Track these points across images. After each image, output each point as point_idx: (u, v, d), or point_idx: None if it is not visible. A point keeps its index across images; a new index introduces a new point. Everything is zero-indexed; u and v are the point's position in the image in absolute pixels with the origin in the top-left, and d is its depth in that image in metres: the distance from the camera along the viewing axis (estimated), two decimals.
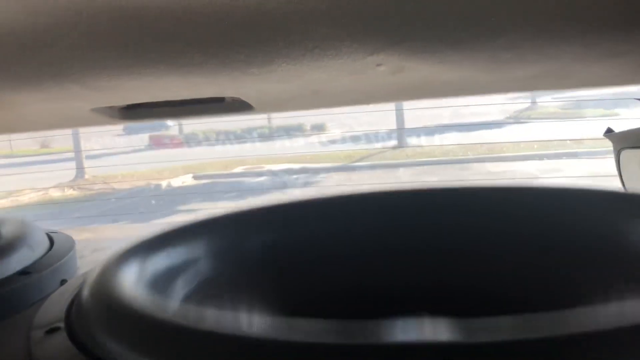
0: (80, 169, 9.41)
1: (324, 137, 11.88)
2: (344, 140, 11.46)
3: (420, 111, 9.19)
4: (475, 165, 9.04)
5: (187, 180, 10.05)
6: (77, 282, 0.62)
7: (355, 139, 10.96)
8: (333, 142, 11.33)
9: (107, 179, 9.23)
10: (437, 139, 10.52)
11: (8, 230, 0.78)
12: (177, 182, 9.80)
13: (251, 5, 0.62)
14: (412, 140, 10.54)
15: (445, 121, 10.13)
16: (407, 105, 8.33)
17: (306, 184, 9.12)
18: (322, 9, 0.64)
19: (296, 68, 0.77)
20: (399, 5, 0.63)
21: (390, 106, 7.94)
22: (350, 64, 0.77)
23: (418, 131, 10.93)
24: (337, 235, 0.74)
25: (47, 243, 0.78)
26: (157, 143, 9.84)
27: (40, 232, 0.80)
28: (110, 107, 0.93)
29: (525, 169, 8.49)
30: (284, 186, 9.15)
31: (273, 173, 9.97)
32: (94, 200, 8.33)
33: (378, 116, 9.99)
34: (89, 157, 9.34)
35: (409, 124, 10.14)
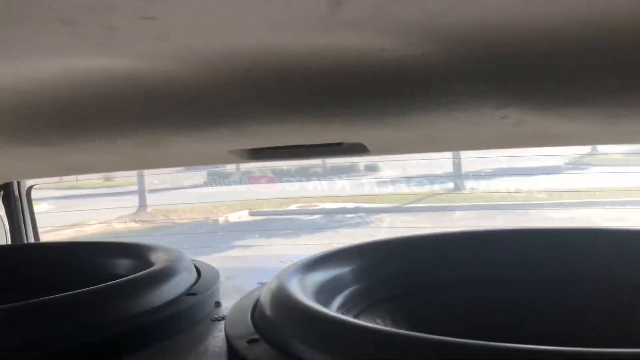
0: (142, 203, 9.73)
1: (378, 178, 11.88)
2: (398, 181, 11.43)
3: (478, 154, 9.12)
4: (534, 211, 8.83)
5: (243, 216, 10.22)
6: (247, 302, 0.70)
7: (409, 181, 10.93)
8: (387, 183, 11.33)
9: (168, 213, 9.50)
10: (494, 184, 10.35)
11: (161, 257, 0.88)
12: (234, 217, 9.98)
13: (402, 64, 0.70)
14: (469, 184, 10.41)
15: (503, 165, 9.99)
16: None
17: (360, 224, 9.13)
18: (463, 70, 0.71)
19: (426, 119, 0.84)
20: (531, 66, 0.70)
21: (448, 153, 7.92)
22: (477, 116, 0.83)
23: (475, 175, 10.79)
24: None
25: (194, 269, 0.87)
26: (252, 181, 10.25)
27: (188, 258, 0.89)
28: (243, 150, 1.03)
29: (587, 217, 8.23)
30: (337, 225, 9.18)
31: (327, 212, 10.03)
32: (155, 234, 8.59)
33: (433, 157, 9.97)
34: (151, 192, 9.69)
35: (465, 167, 10.05)
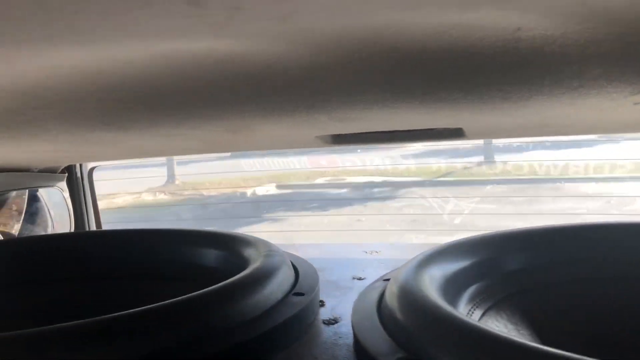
0: (171, 175, 9.79)
1: (404, 151, 11.77)
2: (425, 154, 11.30)
3: None
4: (567, 185, 8.66)
5: (270, 189, 10.24)
6: (367, 305, 0.64)
7: (438, 153, 10.79)
8: (416, 156, 11.21)
9: (196, 186, 9.55)
10: (526, 157, 10.16)
11: (251, 247, 0.83)
12: (261, 190, 10.01)
13: (535, 46, 0.63)
14: (500, 157, 10.24)
15: (534, 138, 9.76)
16: None
17: (388, 198, 9.06)
18: (603, 52, 0.64)
19: (549, 104, 0.77)
20: None
21: None
22: (607, 101, 0.75)
23: (506, 147, 10.60)
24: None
25: (290, 262, 0.82)
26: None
27: (279, 249, 0.83)
28: (334, 135, 0.97)
29: (623, 191, 8.05)
30: (365, 199, 9.14)
31: (354, 186, 9.97)
32: (184, 205, 8.65)
33: None
34: (179, 164, 9.72)
35: (496, 140, 9.86)
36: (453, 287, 0.68)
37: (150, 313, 0.58)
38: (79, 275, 0.96)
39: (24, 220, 1.34)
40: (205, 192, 9.44)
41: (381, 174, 9.68)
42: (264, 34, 0.64)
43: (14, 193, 1.32)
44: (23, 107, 0.87)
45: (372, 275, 0.89)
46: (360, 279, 0.89)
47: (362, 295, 0.71)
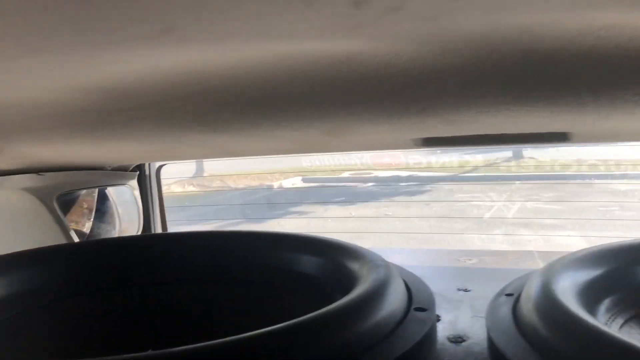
0: (199, 167, 9.85)
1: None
2: (451, 149, 11.15)
3: None
4: (598, 182, 8.50)
5: (296, 182, 10.23)
6: (501, 323, 0.61)
7: (462, 148, 10.66)
8: (443, 151, 11.09)
9: (224, 178, 9.59)
10: (555, 152, 10.00)
11: (352, 255, 0.79)
12: (287, 183, 10.02)
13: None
14: (528, 153, 10.10)
15: None
16: None
17: (415, 193, 9.00)
18: None
19: None
20: None
21: None
22: None
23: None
24: None
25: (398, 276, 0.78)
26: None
27: (382, 257, 0.80)
28: (427, 137, 0.94)
29: None
30: (392, 194, 9.08)
31: (380, 180, 9.92)
32: (213, 197, 8.69)
33: None
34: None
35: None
36: (588, 300, 0.64)
37: (283, 332, 0.55)
38: (167, 278, 0.94)
39: (94, 218, 1.33)
40: (232, 185, 9.47)
41: (408, 168, 9.62)
42: (401, 34, 0.62)
43: (84, 191, 1.31)
44: (120, 107, 0.85)
45: (476, 286, 0.86)
46: (465, 290, 0.85)
47: (492, 313, 0.67)
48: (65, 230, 1.24)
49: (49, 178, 1.14)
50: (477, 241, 6.27)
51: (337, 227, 7.15)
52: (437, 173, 9.63)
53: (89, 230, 1.33)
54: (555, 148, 9.84)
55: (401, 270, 0.82)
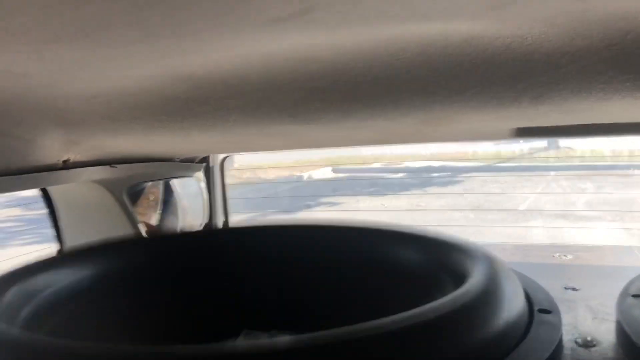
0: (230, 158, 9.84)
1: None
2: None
3: None
4: (638, 172, 8.27)
5: (326, 173, 10.20)
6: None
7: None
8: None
9: (254, 170, 9.61)
10: (592, 142, 9.75)
11: (459, 251, 0.75)
12: (317, 174, 9.99)
13: None
14: (564, 142, 9.86)
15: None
16: None
17: (448, 183, 8.87)
18: None
19: None
20: None
21: None
22: None
23: None
24: None
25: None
26: None
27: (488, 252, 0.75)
28: (522, 127, 0.89)
29: None
30: (423, 185, 8.97)
31: (411, 170, 9.82)
32: (243, 188, 8.72)
33: None
34: None
35: None
36: None
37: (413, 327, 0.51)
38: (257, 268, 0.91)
39: (160, 210, 1.31)
40: (262, 176, 9.48)
41: (439, 158, 9.49)
42: (532, 14, 0.58)
43: (150, 183, 1.29)
44: (209, 96, 0.82)
45: (584, 285, 0.81)
46: (574, 289, 0.80)
47: (626, 316, 0.62)
48: (133, 222, 1.22)
49: (120, 170, 1.11)
50: (514, 233, 6.15)
51: (369, 220, 7.09)
52: (470, 163, 9.48)
53: (156, 222, 1.31)
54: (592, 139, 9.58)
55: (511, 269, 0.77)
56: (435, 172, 9.79)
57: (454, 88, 0.75)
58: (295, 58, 0.71)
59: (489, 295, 0.60)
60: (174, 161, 1.25)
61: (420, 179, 9.56)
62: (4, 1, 0.43)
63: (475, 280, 0.63)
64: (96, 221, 1.22)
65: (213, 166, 1.36)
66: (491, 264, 0.68)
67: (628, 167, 8.51)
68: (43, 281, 0.82)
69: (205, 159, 1.34)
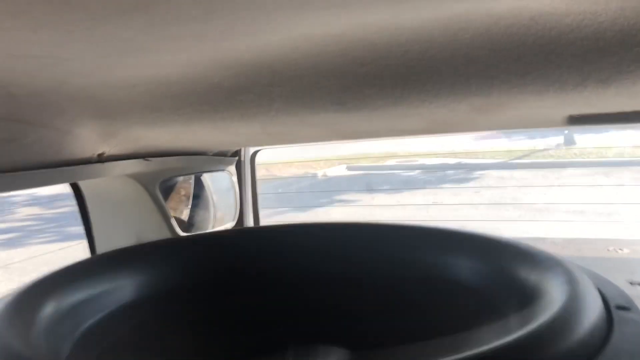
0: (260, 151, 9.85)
1: (478, 133, 11.37)
2: (498, 135, 10.92)
3: None
4: None
5: (341, 170, 10.17)
6: None
7: (510, 134, 10.39)
8: (486, 137, 10.84)
9: (269, 167, 9.59)
10: (608, 138, 9.62)
11: (517, 257, 0.71)
12: (332, 172, 9.96)
13: None
14: (580, 139, 9.74)
15: None
16: None
17: (463, 181, 8.79)
18: None
19: None
20: None
21: None
22: None
23: (586, 129, 10.07)
24: None
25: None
26: None
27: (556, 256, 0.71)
28: (577, 115, 0.85)
29: None
30: (439, 182, 8.90)
31: (426, 168, 9.74)
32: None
33: None
34: None
35: None
36: None
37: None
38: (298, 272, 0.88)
39: (192, 205, 1.28)
40: (277, 174, 9.47)
41: (454, 155, 9.41)
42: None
43: (181, 177, 1.26)
44: (253, 83, 0.79)
45: None
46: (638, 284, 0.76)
47: None
48: (166, 217, 1.20)
49: (154, 164, 1.09)
50: (532, 229, 6.07)
51: (385, 216, 7.05)
52: (486, 160, 9.40)
53: (187, 217, 1.28)
54: (610, 133, 9.46)
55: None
56: (451, 169, 9.71)
57: (515, 71, 0.72)
58: (346, 41, 0.68)
59: (572, 302, 0.56)
60: (208, 155, 1.22)
61: (436, 175, 9.49)
62: None
63: (555, 289, 0.60)
64: (128, 216, 1.20)
65: (244, 160, 1.33)
66: (564, 268, 0.65)
67: None
68: (86, 293, 0.76)
69: (237, 153, 1.32)
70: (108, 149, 0.99)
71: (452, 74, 0.74)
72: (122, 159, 1.04)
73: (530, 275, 0.67)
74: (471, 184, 8.59)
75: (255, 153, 1.37)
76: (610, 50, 0.66)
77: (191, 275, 0.83)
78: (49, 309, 0.64)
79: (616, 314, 0.59)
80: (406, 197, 8.22)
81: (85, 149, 0.96)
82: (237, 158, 1.31)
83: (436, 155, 9.90)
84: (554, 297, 0.58)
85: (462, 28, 0.64)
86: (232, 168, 1.31)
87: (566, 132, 9.37)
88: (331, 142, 1.58)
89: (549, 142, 9.88)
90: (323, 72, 0.76)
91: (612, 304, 0.61)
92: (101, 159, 0.99)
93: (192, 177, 1.28)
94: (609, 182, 7.65)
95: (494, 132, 10.61)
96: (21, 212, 7.31)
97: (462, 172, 9.27)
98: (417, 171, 9.75)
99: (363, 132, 1.00)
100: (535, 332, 0.51)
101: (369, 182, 9.14)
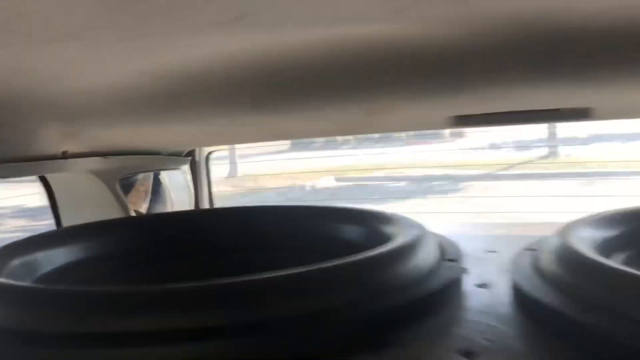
0: (233, 167, 10.00)
1: (464, 144, 11.59)
2: (486, 147, 11.10)
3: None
4: (637, 179, 8.32)
5: (329, 182, 10.31)
6: (523, 265, 0.71)
7: (497, 146, 10.58)
8: (474, 149, 11.02)
9: (257, 179, 9.72)
10: (591, 150, 9.81)
11: (394, 222, 0.89)
12: (321, 183, 10.09)
13: None
14: (564, 151, 9.92)
15: (599, 131, 9.44)
16: None
17: (449, 192, 8.96)
18: None
19: None
20: None
21: None
22: None
23: (570, 139, 10.26)
24: None
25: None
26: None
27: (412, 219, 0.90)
28: (456, 116, 1.02)
29: None
30: (425, 192, 9.07)
31: (413, 179, 9.91)
32: (246, 197, 8.83)
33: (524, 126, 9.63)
34: (240, 157, 9.96)
35: (560, 133, 9.57)
36: (601, 253, 0.72)
37: (322, 271, 0.65)
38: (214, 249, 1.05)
39: (150, 201, 1.45)
40: (266, 184, 9.59)
41: (441, 166, 9.58)
42: (434, 18, 0.70)
43: (141, 175, 1.43)
44: (184, 91, 0.96)
45: (503, 249, 0.94)
46: (493, 252, 0.94)
47: (516, 264, 0.76)
48: (126, 211, 1.36)
49: (113, 161, 1.26)
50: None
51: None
52: (471, 171, 9.57)
53: (146, 211, 1.45)
54: (593, 145, 9.64)
55: (436, 234, 0.91)
56: (437, 180, 9.87)
57: (385, 81, 0.89)
58: (253, 56, 0.85)
59: (407, 248, 0.74)
60: (162, 154, 1.39)
61: (422, 186, 9.64)
62: (12, 6, 0.57)
63: (400, 238, 0.78)
64: (91, 209, 1.36)
65: (199, 160, 1.50)
66: (416, 229, 0.83)
67: (627, 174, 8.56)
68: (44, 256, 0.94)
69: (191, 154, 1.49)
70: (71, 147, 1.16)
71: (339, 83, 0.91)
72: (84, 157, 1.21)
73: (393, 233, 0.85)
74: (457, 194, 8.77)
75: (209, 154, 1.54)
76: (455, 63, 0.83)
77: (133, 243, 1.01)
78: (15, 262, 0.83)
79: (444, 263, 0.77)
80: (393, 207, 8.38)
81: (51, 147, 1.13)
82: (190, 158, 1.48)
83: (423, 166, 10.07)
84: (397, 242, 0.76)
85: (339, 48, 0.81)
86: (187, 167, 1.48)
87: (551, 144, 9.57)
88: (263, 141, 1.75)
89: (533, 153, 10.07)
90: (237, 82, 0.93)
91: (445, 257, 0.79)
92: (65, 155, 1.16)
93: (151, 174, 1.45)
94: (592, 190, 7.83)
95: (482, 144, 10.79)
96: (7, 224, 7.41)
97: (447, 183, 9.44)
98: (404, 182, 9.91)
99: (286, 133, 1.17)
100: (366, 258, 0.68)
101: (357, 192, 9.30)
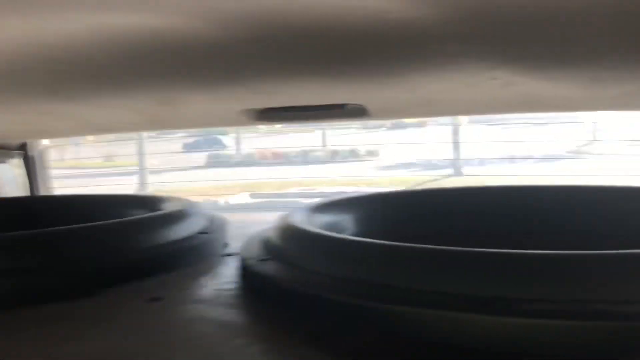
0: (143, 184, 9.79)
1: (378, 163, 11.98)
2: (398, 167, 11.54)
3: (480, 139, 9.24)
4: None
5: (244, 198, 10.28)
6: (255, 238, 0.80)
7: (408, 166, 11.04)
8: (387, 168, 11.41)
9: (168, 194, 9.52)
10: (495, 170, 10.39)
11: (177, 204, 0.97)
12: (234, 200, 10.05)
13: (402, 26, 0.77)
14: (468, 171, 10.46)
15: (504, 153, 10.04)
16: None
17: None
18: (457, 32, 0.78)
19: (424, 80, 0.91)
20: (518, 29, 0.76)
21: (447, 137, 8.10)
22: (469, 77, 0.90)
23: (473, 161, 10.84)
24: None
25: (207, 216, 0.97)
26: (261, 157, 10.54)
27: (202, 206, 0.98)
28: (252, 110, 1.10)
29: None
30: None
31: (326, 195, 10.08)
32: None
33: (433, 147, 10.13)
34: (152, 172, 9.77)
35: (466, 153, 10.09)
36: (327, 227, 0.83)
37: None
38: None
39: None
40: None
41: (352, 184, 9.83)
42: (176, 10, 0.77)
43: None
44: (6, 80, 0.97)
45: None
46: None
47: (255, 233, 0.86)
48: None
49: None
50: None
51: None
52: (383, 189, 9.86)
53: None
54: (496, 165, 10.22)
55: (218, 216, 1.00)
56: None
57: (168, 72, 0.95)
58: (34, 43, 0.89)
59: (153, 221, 0.81)
60: None
61: None
62: None
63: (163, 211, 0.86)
64: None
65: (33, 156, 1.50)
66: (186, 207, 0.91)
67: None
68: None
69: (23, 147, 1.49)
70: None
71: (125, 72, 0.96)
72: None
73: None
74: None
75: (43, 150, 1.54)
76: (225, 58, 0.90)
77: None
78: None
79: (197, 235, 0.86)
80: None
81: None
82: (22, 152, 1.48)
83: (336, 183, 10.27)
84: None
85: (108, 37, 0.86)
86: (18, 161, 1.47)
87: (455, 164, 10.06)
88: (86, 135, 1.76)
89: (441, 172, 10.55)
90: (31, 67, 0.95)
91: (205, 230, 0.88)
92: None
93: None
94: None
95: (396, 163, 11.20)
96: None
97: None
98: (318, 198, 10.06)
99: (98, 126, 1.21)
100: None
101: (273, 208, 9.33)
